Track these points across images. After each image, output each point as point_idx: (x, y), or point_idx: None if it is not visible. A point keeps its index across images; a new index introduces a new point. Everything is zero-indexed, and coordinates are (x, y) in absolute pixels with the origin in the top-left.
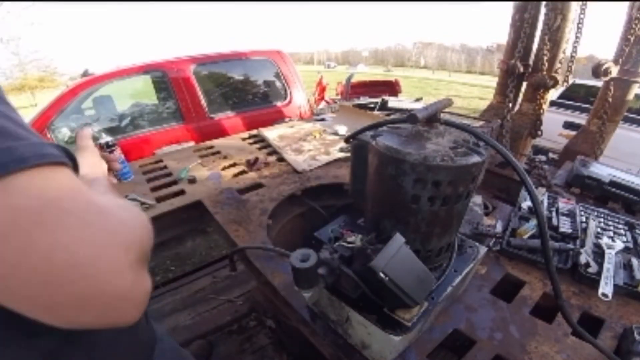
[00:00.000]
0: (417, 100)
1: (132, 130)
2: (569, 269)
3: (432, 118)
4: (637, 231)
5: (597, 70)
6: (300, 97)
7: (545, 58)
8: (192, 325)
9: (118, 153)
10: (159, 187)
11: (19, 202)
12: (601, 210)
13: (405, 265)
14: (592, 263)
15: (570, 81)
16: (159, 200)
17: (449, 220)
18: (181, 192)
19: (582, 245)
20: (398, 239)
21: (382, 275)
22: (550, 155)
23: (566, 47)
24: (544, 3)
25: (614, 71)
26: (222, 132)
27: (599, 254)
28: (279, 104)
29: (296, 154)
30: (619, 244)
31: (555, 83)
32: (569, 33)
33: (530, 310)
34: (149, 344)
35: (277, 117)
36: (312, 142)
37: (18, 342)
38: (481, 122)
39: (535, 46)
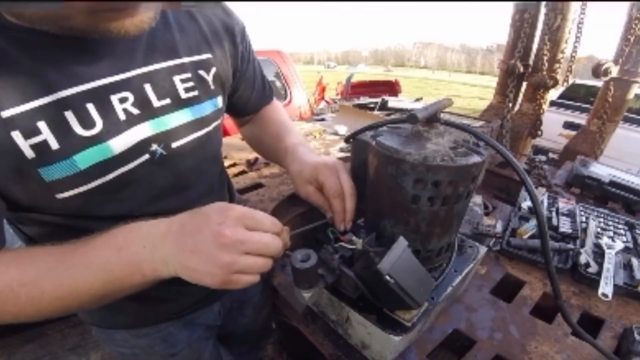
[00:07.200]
0: (417, 100)
1: None
2: (569, 269)
3: (432, 118)
4: (637, 231)
5: (597, 70)
6: (300, 97)
7: (545, 58)
8: None
9: None
10: None
11: None
12: (601, 210)
13: (408, 268)
14: (592, 263)
15: (570, 81)
16: None
17: (449, 220)
18: None
19: (582, 245)
20: (402, 242)
21: (387, 278)
22: (550, 155)
23: (566, 47)
24: (544, 3)
25: (614, 71)
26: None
27: (599, 254)
28: None
29: None
30: (619, 244)
31: (555, 83)
32: (569, 33)
33: (530, 310)
34: None
35: None
36: (312, 142)
37: None
38: (481, 122)
39: (535, 46)
